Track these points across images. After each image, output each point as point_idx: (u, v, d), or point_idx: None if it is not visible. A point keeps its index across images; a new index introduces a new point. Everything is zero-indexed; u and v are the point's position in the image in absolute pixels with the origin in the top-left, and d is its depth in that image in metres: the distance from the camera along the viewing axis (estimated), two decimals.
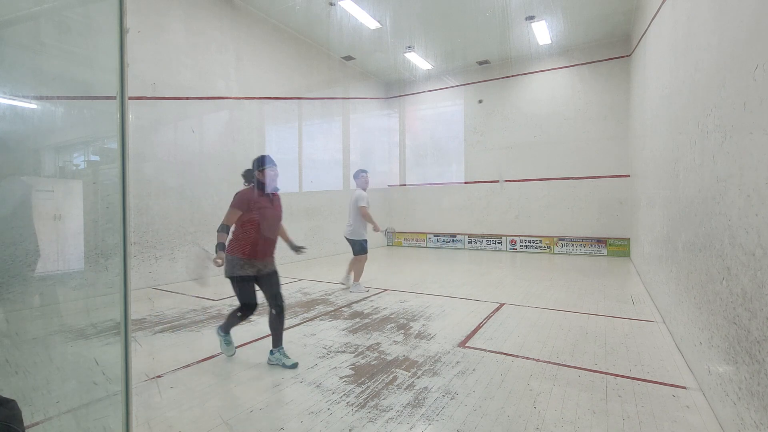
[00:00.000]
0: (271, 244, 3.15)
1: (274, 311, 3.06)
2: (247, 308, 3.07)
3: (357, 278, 5.70)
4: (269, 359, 3.09)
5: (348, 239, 5.67)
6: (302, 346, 3.47)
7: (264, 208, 3.08)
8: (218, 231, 2.96)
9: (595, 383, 2.72)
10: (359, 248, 5.64)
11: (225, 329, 3.17)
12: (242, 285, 3.03)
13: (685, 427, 2.17)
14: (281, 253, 9.25)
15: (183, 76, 6.70)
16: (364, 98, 11.84)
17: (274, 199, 3.21)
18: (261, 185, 3.13)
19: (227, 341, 3.19)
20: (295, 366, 3.01)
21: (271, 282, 3.09)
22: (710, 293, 2.38)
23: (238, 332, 3.87)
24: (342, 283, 6.05)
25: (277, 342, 3.07)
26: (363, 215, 5.45)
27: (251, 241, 3.01)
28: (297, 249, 3.44)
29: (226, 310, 4.69)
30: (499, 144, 11.02)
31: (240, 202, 3.02)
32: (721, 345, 2.16)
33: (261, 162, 3.15)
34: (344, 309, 4.74)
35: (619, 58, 9.48)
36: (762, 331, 1.64)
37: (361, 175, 5.66)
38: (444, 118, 11.99)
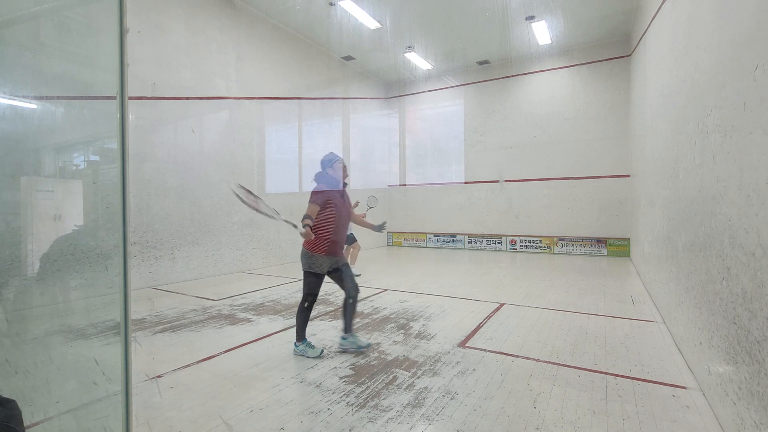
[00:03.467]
0: (343, 241, 3.40)
1: (351, 300, 3.33)
2: (313, 298, 3.27)
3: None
4: (341, 344, 3.35)
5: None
6: None
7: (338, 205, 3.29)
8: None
9: (595, 383, 2.72)
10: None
11: (301, 337, 3.27)
12: (318, 279, 3.26)
13: (685, 427, 2.17)
14: (281, 253, 9.19)
15: (183, 76, 6.70)
16: (364, 98, 11.84)
17: (344, 195, 3.41)
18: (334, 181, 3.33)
19: (310, 345, 3.26)
20: (369, 346, 3.37)
21: (346, 274, 3.35)
22: (710, 293, 2.38)
23: (238, 333, 3.87)
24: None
25: (349, 328, 3.34)
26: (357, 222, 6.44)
27: (329, 239, 3.24)
28: (379, 228, 3.66)
29: (226, 311, 4.69)
30: (499, 144, 11.02)
31: (317, 197, 3.21)
32: (721, 345, 2.16)
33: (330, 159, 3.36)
34: None
35: (619, 58, 9.47)
36: (762, 331, 1.64)
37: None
38: (444, 118, 11.99)
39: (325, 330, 3.93)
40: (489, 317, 4.34)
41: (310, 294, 3.23)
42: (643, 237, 6.21)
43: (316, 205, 3.17)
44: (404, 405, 2.43)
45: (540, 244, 10.39)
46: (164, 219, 6.34)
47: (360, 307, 4.82)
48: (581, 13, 8.33)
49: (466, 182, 11.49)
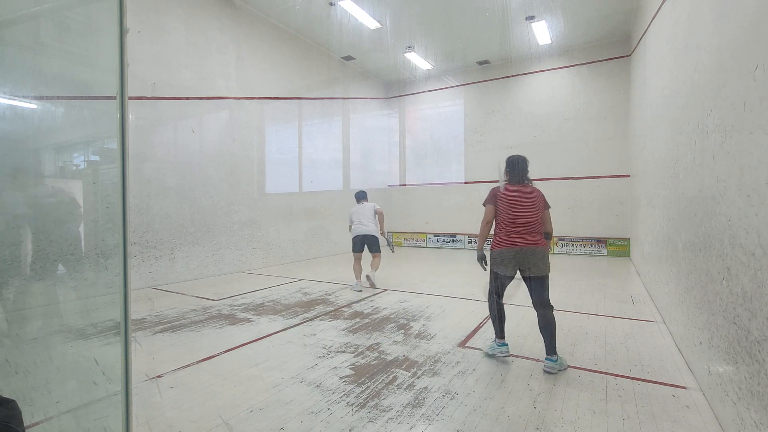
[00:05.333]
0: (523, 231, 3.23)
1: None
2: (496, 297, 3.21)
3: (372, 272, 6.05)
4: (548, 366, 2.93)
5: (369, 236, 5.99)
6: (302, 346, 3.47)
7: None
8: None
9: (595, 383, 2.72)
10: (378, 246, 6.07)
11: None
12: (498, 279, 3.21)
13: (685, 427, 2.17)
14: (281, 253, 9.16)
15: (183, 76, 6.70)
16: (364, 98, 11.84)
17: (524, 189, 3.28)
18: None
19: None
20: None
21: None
22: (710, 293, 2.38)
23: (238, 333, 3.87)
24: (368, 280, 6.07)
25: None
26: (381, 218, 6.09)
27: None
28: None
29: (226, 311, 4.69)
30: (499, 144, 11.01)
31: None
32: (721, 345, 2.16)
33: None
34: (344, 309, 4.74)
35: (619, 58, 9.47)
36: (762, 331, 1.64)
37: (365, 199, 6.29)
38: (444, 118, 11.99)
39: (324, 330, 3.93)
40: (489, 317, 4.33)
41: (494, 293, 3.14)
42: (643, 237, 6.21)
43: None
44: (404, 405, 2.43)
45: None
46: (164, 219, 6.34)
47: (360, 307, 4.82)
48: (581, 13, 8.33)
49: (466, 182, 11.49)
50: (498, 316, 3.16)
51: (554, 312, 3.03)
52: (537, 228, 3.07)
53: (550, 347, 2.90)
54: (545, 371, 2.87)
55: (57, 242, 2.58)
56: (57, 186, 2.62)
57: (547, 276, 3.01)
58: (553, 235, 3.24)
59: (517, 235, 3.03)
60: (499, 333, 3.14)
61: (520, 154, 3.28)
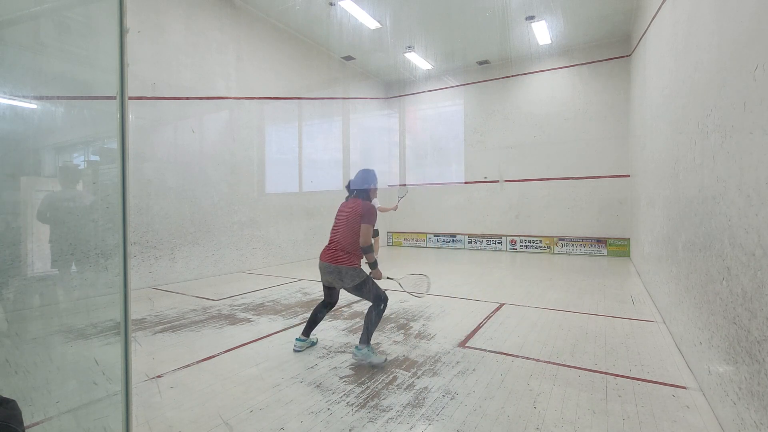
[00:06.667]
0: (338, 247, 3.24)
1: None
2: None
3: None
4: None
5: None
6: None
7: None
8: (369, 252, 3.12)
9: (595, 383, 2.72)
10: (377, 233, 7.38)
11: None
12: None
13: (685, 427, 2.17)
14: (281, 252, 9.18)
15: (183, 76, 6.70)
16: (364, 98, 11.84)
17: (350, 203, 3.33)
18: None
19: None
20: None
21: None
22: (710, 293, 2.38)
23: (238, 333, 3.87)
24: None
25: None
26: (383, 210, 7.09)
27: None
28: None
29: (226, 311, 4.69)
30: (499, 144, 11.01)
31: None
32: (721, 345, 2.16)
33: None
34: (344, 309, 4.74)
35: (619, 58, 9.47)
36: (762, 331, 1.64)
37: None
38: (444, 118, 11.98)
39: (324, 330, 3.94)
40: (489, 317, 4.33)
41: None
42: (643, 237, 6.21)
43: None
44: (404, 405, 2.43)
45: (540, 244, 10.39)
46: (164, 219, 6.34)
47: (360, 307, 4.82)
48: (581, 13, 8.33)
49: (466, 182, 11.49)
50: (311, 315, 3.42)
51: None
52: (343, 245, 3.12)
53: (361, 338, 3.11)
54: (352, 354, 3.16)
55: (73, 243, 2.59)
56: (80, 191, 2.66)
57: (359, 285, 3.08)
58: (378, 246, 3.30)
59: (326, 250, 3.21)
60: (304, 330, 3.38)
61: (368, 168, 3.37)
